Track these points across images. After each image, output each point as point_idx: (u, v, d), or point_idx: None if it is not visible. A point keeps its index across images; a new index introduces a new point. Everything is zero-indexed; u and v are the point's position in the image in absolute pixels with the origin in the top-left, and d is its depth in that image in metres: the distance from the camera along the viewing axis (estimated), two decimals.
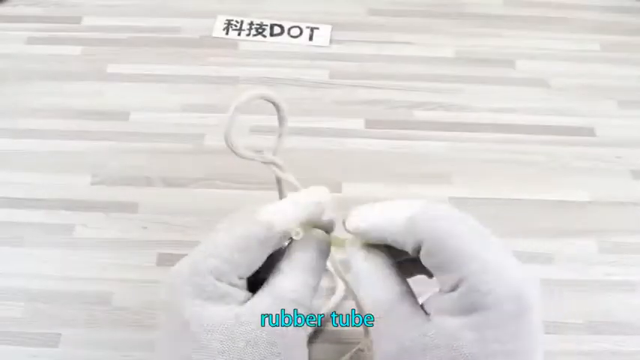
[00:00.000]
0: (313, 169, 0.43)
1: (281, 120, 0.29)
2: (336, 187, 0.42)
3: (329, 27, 0.51)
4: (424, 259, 0.24)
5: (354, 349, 0.34)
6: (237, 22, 0.50)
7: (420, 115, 0.46)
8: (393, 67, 0.49)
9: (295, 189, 0.28)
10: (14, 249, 0.39)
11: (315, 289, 0.25)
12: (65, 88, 0.47)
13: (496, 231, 0.41)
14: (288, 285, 0.24)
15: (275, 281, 0.24)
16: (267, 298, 0.24)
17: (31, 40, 0.50)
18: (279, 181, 0.30)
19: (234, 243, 0.24)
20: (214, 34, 0.50)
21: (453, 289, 0.22)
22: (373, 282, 0.25)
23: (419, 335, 0.22)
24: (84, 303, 0.37)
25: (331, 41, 0.50)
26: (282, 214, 0.25)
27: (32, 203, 0.41)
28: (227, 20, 0.50)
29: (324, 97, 0.47)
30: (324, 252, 0.26)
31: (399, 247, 0.24)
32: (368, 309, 0.24)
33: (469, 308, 0.22)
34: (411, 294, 0.25)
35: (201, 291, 0.23)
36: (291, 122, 0.45)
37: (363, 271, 0.25)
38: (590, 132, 0.46)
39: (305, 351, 0.24)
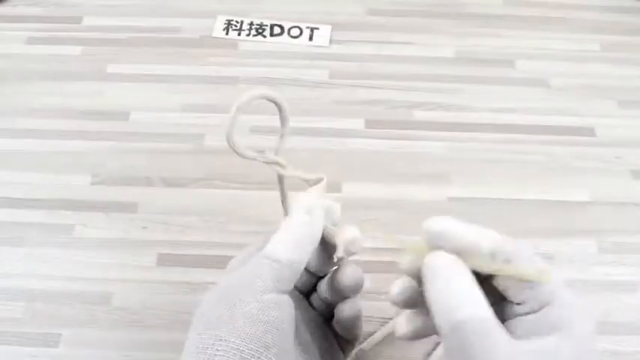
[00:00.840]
0: (313, 169, 0.43)
1: (283, 120, 0.29)
2: (336, 187, 0.42)
3: (329, 27, 0.51)
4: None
5: (357, 348, 0.34)
6: (237, 22, 0.50)
7: (420, 115, 0.46)
8: (393, 67, 0.49)
9: (304, 184, 0.28)
10: (14, 249, 0.39)
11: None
12: (65, 88, 0.47)
13: (496, 231, 0.41)
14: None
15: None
16: None
17: (31, 40, 0.50)
18: (281, 180, 0.30)
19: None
20: (214, 34, 0.50)
21: (535, 310, 0.22)
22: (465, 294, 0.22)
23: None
24: (84, 303, 0.37)
25: (331, 41, 0.50)
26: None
27: (32, 203, 0.41)
28: (227, 20, 0.50)
29: (324, 97, 0.47)
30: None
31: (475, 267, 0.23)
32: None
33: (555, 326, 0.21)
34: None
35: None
36: (291, 122, 0.45)
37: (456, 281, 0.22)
38: (590, 132, 0.46)
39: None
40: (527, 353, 0.20)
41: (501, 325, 0.21)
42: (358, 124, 0.46)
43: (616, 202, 0.42)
